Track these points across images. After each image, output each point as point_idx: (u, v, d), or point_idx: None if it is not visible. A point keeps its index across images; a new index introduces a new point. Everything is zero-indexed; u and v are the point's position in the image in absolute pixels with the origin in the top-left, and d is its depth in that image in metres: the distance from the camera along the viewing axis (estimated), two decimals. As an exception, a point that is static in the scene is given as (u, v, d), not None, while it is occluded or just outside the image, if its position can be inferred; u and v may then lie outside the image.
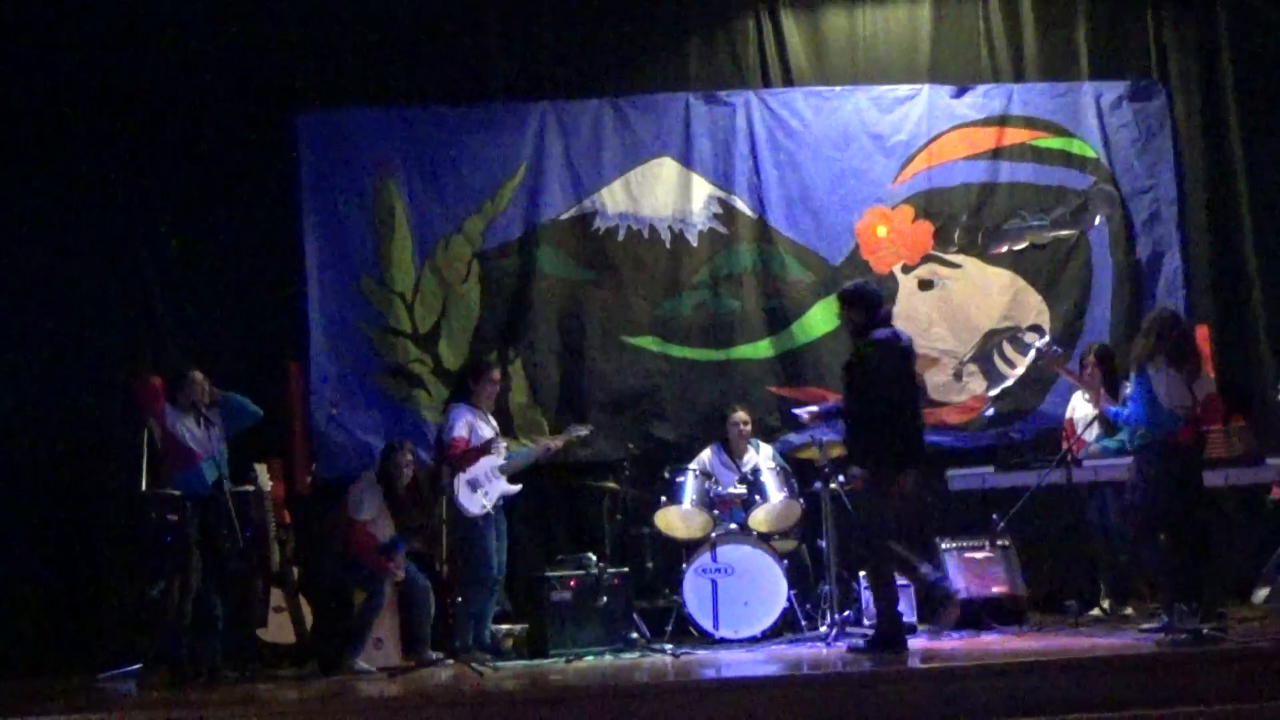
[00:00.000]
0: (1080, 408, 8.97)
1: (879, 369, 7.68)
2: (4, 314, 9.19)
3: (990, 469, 8.76)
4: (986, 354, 9.88)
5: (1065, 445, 8.79)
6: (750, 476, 9.04)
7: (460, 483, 8.42)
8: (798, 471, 9.15)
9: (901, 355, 7.80)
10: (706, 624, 8.53)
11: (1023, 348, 9.74)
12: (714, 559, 8.60)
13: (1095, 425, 8.68)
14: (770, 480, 9.00)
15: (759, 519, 8.95)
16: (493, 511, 8.55)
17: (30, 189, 9.36)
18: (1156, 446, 7.59)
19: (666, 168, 9.92)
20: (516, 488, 8.76)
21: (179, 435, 8.04)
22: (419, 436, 9.37)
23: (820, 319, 9.83)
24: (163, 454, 8.10)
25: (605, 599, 8.61)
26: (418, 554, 8.57)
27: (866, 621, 8.56)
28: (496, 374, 8.87)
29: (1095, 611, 8.69)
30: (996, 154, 10.03)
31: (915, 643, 8.20)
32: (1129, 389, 7.87)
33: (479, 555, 8.47)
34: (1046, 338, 9.23)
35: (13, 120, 9.35)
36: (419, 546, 8.49)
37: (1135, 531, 7.97)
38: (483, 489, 8.53)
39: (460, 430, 8.52)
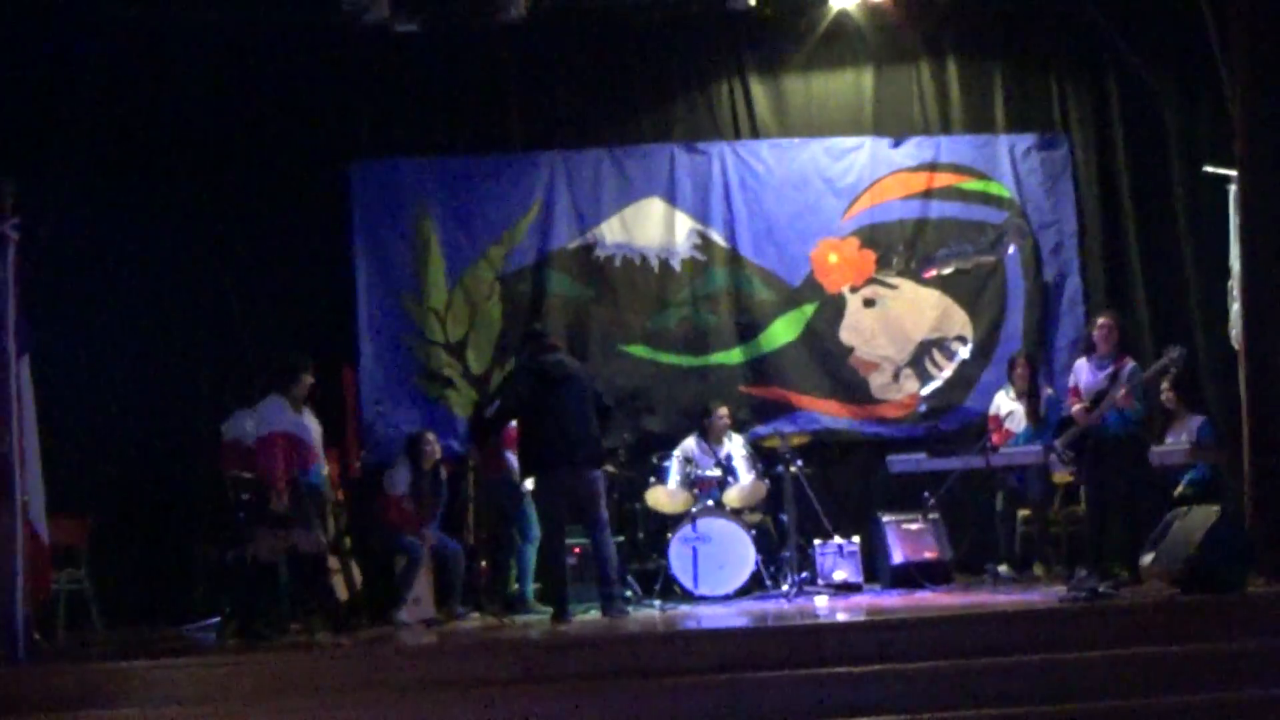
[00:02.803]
0: (1005, 405, 8.90)
1: (515, 390, 7.81)
2: (123, 336, 9.13)
3: (923, 455, 8.71)
4: (919, 360, 9.79)
5: (995, 436, 8.77)
6: (724, 461, 8.98)
7: (515, 465, 8.39)
8: (763, 458, 9.09)
9: (547, 381, 7.71)
10: (688, 583, 8.48)
11: (950, 355, 9.70)
12: (694, 529, 8.54)
13: (1023, 419, 8.68)
14: (741, 465, 8.96)
15: (731, 496, 8.90)
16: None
17: (147, 232, 9.27)
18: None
19: (655, 206, 9.84)
20: None
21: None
22: (450, 429, 9.32)
23: (781, 331, 9.76)
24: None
25: (605, 563, 8.56)
26: (448, 524, 8.52)
27: (821, 582, 8.53)
28: None
29: (1003, 568, 8.59)
30: (927, 194, 9.93)
31: (861, 599, 8.17)
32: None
33: (529, 520, 8.50)
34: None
35: (132, 172, 9.33)
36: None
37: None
38: None
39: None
